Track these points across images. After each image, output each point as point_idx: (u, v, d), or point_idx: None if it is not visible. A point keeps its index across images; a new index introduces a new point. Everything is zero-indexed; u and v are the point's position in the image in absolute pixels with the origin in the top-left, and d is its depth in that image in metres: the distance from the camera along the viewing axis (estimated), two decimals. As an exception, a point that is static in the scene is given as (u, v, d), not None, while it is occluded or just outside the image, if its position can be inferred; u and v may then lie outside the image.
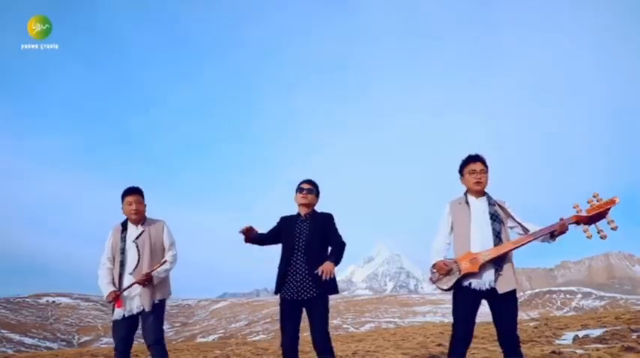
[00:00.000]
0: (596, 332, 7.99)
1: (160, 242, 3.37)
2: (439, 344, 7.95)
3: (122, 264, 3.27)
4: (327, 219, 3.29)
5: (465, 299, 2.78)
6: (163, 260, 3.29)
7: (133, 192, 3.31)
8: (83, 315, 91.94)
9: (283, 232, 3.28)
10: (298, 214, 3.32)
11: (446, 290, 2.81)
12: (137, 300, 3.23)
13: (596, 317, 11.16)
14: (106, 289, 3.23)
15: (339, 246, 3.19)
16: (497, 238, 2.74)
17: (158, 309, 3.29)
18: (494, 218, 2.81)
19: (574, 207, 2.70)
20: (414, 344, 8.64)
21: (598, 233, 2.67)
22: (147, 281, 3.18)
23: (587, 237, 2.67)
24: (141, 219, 3.35)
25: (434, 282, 2.88)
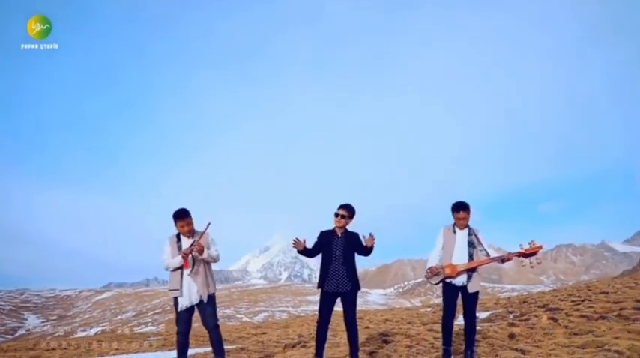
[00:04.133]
0: (483, 315, 9.95)
1: (208, 246, 4.36)
2: (366, 327, 9.33)
3: (181, 268, 4.26)
4: (356, 236, 4.57)
5: (448, 290, 4.50)
6: (209, 222, 4.33)
7: (184, 217, 4.29)
8: None
9: (323, 245, 4.52)
10: (335, 232, 4.53)
11: (435, 284, 4.50)
12: (195, 294, 4.23)
13: (480, 303, 13.55)
14: (176, 258, 4.21)
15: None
16: (470, 258, 4.44)
17: (212, 300, 4.36)
18: (470, 244, 4.49)
19: (520, 245, 4.38)
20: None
21: (529, 263, 4.38)
22: (202, 249, 4.18)
23: (522, 266, 4.43)
24: (192, 233, 4.35)
25: (427, 278, 4.59)
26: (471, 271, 4.44)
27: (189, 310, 4.31)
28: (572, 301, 9.64)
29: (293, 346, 6.44)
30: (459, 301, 4.59)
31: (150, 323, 68.79)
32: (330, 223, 4.62)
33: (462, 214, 4.49)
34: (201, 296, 4.28)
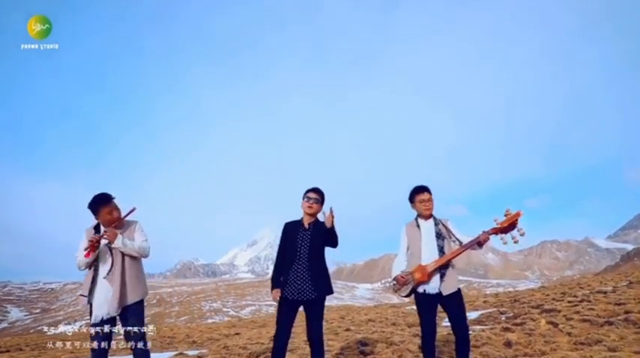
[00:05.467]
0: (473, 315, 9.19)
1: (132, 237, 3.32)
2: (347, 329, 8.67)
3: (95, 268, 3.22)
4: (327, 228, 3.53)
5: (422, 303, 3.55)
6: (133, 207, 3.29)
7: (106, 203, 3.23)
8: None
9: (287, 240, 3.56)
10: (302, 223, 3.59)
11: (405, 296, 3.58)
12: (114, 302, 3.18)
13: (468, 302, 12.85)
14: (82, 253, 3.15)
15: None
16: (441, 252, 3.53)
17: (136, 309, 3.29)
18: (439, 236, 3.59)
19: (494, 220, 3.41)
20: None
21: (512, 239, 3.40)
22: (113, 235, 3.16)
23: (503, 243, 3.42)
24: (116, 224, 3.28)
25: (395, 291, 3.63)
26: (443, 269, 3.51)
27: (109, 321, 3.22)
28: (569, 302, 8.92)
29: (257, 356, 5.59)
30: (440, 309, 3.64)
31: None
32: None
33: (425, 195, 3.62)
34: (120, 307, 3.21)
